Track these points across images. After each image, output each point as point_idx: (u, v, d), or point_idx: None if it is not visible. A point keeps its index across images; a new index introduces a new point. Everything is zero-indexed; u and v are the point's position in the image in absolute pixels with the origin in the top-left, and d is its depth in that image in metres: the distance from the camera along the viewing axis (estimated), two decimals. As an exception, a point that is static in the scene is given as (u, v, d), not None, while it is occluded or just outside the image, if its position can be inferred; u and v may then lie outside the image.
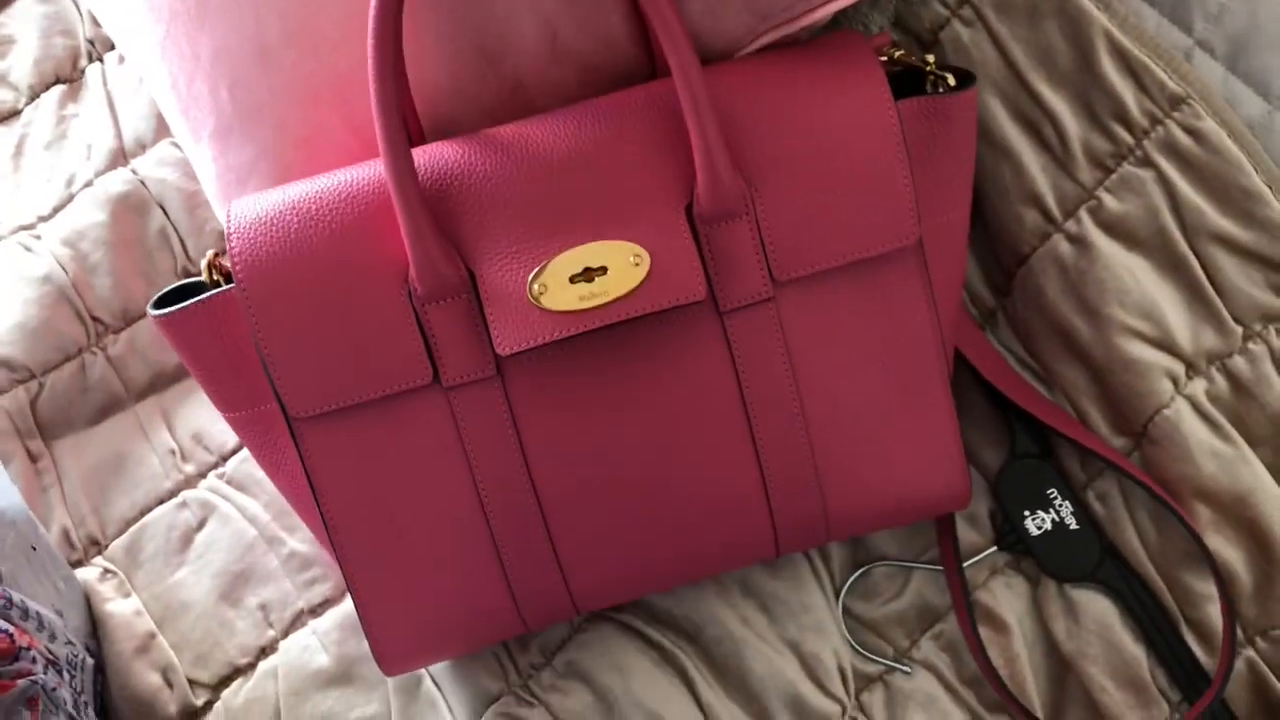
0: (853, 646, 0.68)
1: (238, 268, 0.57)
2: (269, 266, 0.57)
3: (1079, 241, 0.67)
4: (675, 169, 0.57)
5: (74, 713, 0.63)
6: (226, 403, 0.62)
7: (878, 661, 0.68)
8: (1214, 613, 0.65)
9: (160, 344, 0.79)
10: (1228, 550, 0.64)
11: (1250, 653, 0.65)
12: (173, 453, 0.77)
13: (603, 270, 0.56)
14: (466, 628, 0.63)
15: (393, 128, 0.55)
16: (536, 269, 0.56)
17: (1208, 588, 0.65)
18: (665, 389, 0.59)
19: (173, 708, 0.69)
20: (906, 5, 0.73)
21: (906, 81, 0.63)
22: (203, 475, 0.76)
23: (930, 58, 0.62)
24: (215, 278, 0.60)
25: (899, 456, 0.62)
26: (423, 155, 0.59)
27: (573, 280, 0.56)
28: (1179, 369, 0.66)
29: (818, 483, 0.61)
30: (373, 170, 0.59)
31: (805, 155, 0.58)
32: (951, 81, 0.61)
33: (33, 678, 0.59)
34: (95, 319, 0.80)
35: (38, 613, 0.63)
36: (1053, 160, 0.69)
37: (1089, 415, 0.68)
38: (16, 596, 0.62)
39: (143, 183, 0.83)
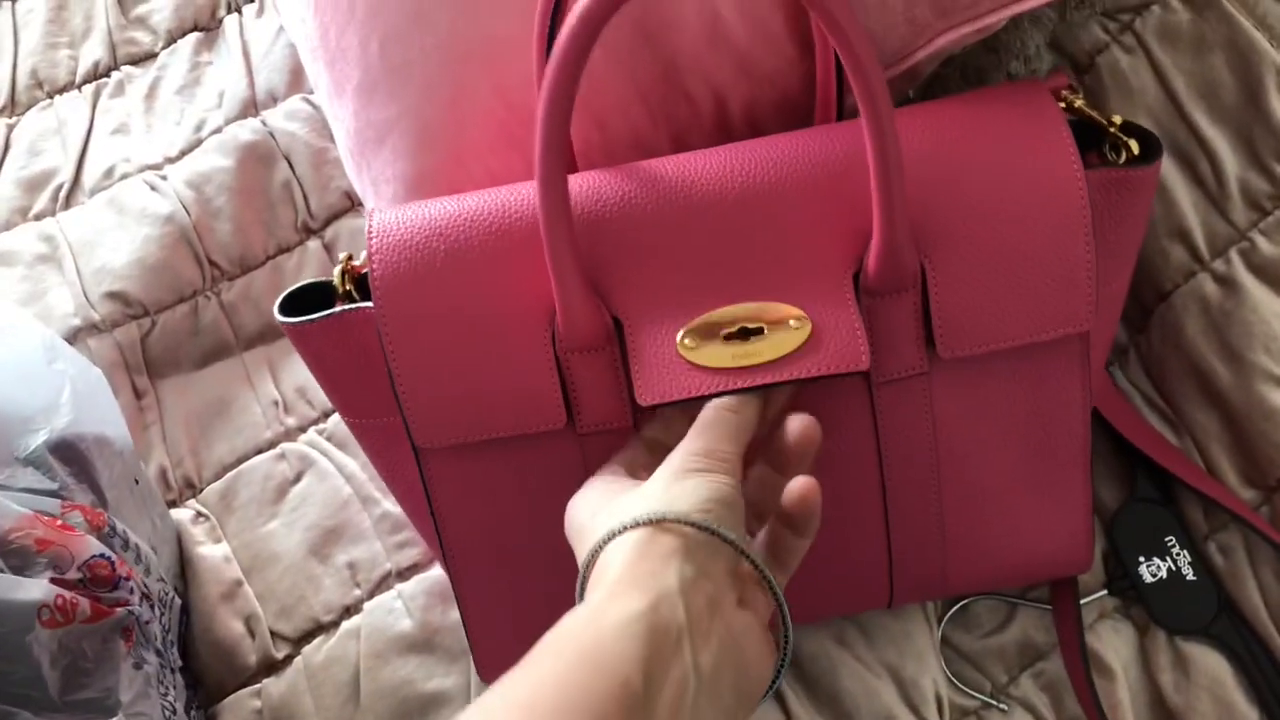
0: (950, 679, 0.65)
1: (379, 292, 0.54)
2: (410, 293, 0.54)
3: (1227, 282, 0.65)
4: (848, 234, 0.53)
5: (161, 649, 0.63)
6: (349, 409, 0.60)
7: (975, 696, 0.65)
8: (1335, 681, 0.62)
9: (274, 292, 0.79)
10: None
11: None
12: (276, 404, 0.77)
13: (759, 331, 0.53)
14: None
15: (552, 168, 0.50)
16: (689, 323, 0.53)
17: (1331, 654, 0.62)
18: None
19: (253, 657, 0.69)
20: (1065, 26, 0.71)
21: (1080, 134, 0.56)
22: (303, 429, 0.76)
23: (1117, 119, 0.56)
24: (348, 287, 0.57)
25: (1027, 529, 0.61)
26: (579, 186, 0.55)
27: (726, 338, 0.53)
28: (1323, 425, 0.63)
29: (942, 549, 0.60)
30: (525, 200, 0.56)
31: (984, 229, 0.53)
32: (1135, 149, 0.56)
33: (129, 608, 0.59)
34: (212, 263, 0.80)
35: (137, 545, 0.63)
36: (1205, 197, 0.66)
37: (1218, 463, 0.66)
38: (120, 526, 0.62)
39: (271, 134, 0.83)
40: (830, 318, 0.53)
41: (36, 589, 0.54)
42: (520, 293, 0.54)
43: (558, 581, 0.58)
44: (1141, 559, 0.66)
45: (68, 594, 0.56)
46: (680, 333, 0.53)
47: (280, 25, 0.87)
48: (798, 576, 0.58)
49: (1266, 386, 0.63)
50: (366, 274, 0.56)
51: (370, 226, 0.56)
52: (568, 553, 0.57)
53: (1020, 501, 0.60)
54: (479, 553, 0.60)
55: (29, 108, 0.91)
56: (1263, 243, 0.65)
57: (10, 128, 0.90)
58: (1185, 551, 0.65)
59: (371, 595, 0.70)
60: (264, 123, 0.84)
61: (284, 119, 0.83)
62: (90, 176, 0.86)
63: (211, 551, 0.72)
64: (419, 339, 0.54)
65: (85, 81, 0.91)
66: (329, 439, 0.75)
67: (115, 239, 0.80)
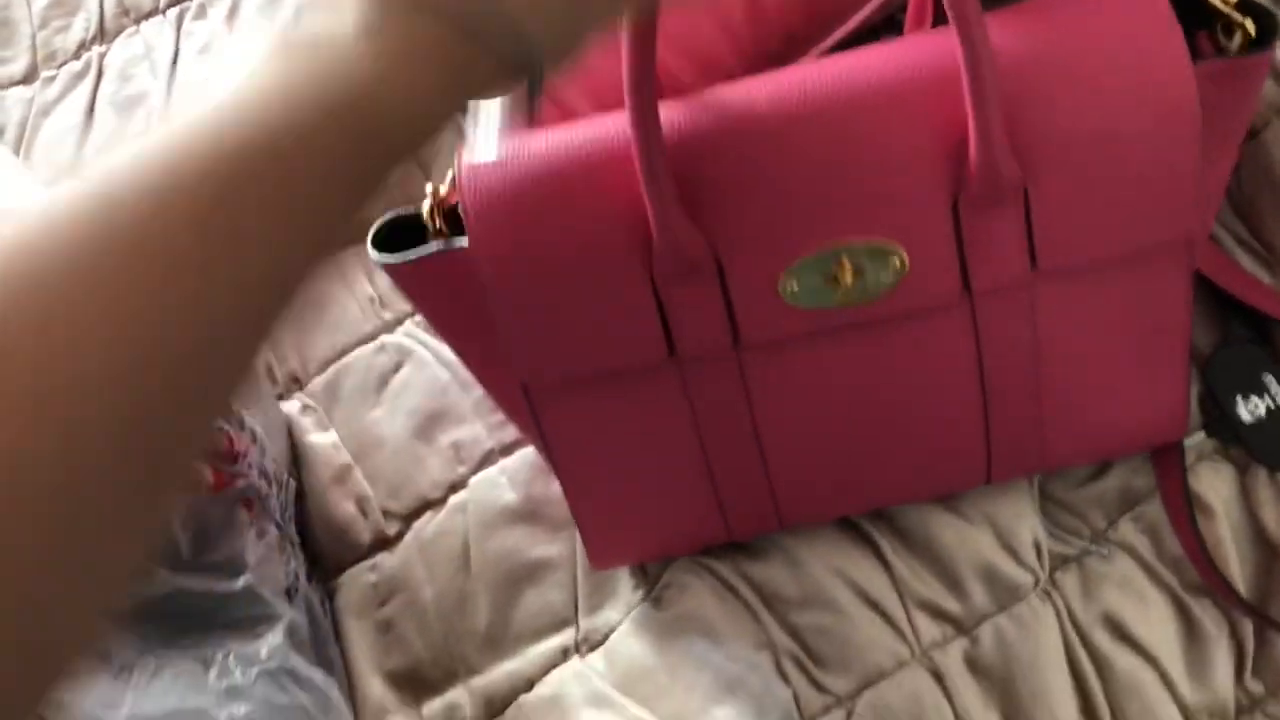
0: (1049, 528, 0.66)
1: (473, 228, 0.53)
2: (505, 229, 0.53)
3: (1318, 114, 0.64)
4: (946, 153, 0.52)
5: (280, 523, 0.66)
6: (451, 335, 0.61)
7: (1075, 543, 0.66)
8: None
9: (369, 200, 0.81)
10: None
11: None
12: (372, 301, 0.79)
13: (858, 271, 0.53)
14: (677, 539, 0.67)
15: (642, 88, 0.49)
16: (789, 265, 0.53)
17: None
18: (905, 359, 0.58)
19: (366, 535, 0.72)
20: None
21: (1187, 12, 0.52)
22: (400, 322, 0.78)
23: None
24: (439, 223, 0.56)
25: (1124, 411, 0.62)
26: (669, 116, 0.53)
27: (825, 281, 0.54)
28: None
29: (1040, 438, 0.61)
30: (615, 129, 0.53)
31: (1086, 140, 0.52)
32: (1250, 29, 0.52)
33: (249, 480, 0.62)
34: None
35: (252, 427, 0.66)
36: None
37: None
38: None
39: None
40: (928, 250, 0.53)
41: (162, 456, 0.57)
42: (615, 223, 0.53)
43: (666, 488, 0.62)
44: (1239, 398, 0.66)
45: (192, 462, 0.58)
46: (781, 275, 0.54)
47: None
48: (895, 471, 0.60)
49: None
50: (457, 206, 0.55)
51: (461, 161, 0.55)
52: (675, 464, 0.61)
53: (1117, 391, 0.61)
54: (590, 471, 0.62)
55: (116, 35, 0.94)
56: (1354, 71, 0.64)
57: (101, 55, 0.93)
58: (1282, 387, 0.65)
59: (475, 471, 0.72)
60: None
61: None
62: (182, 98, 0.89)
63: (321, 439, 0.75)
64: (518, 276, 0.54)
65: (170, 6, 0.94)
66: (425, 329, 0.77)
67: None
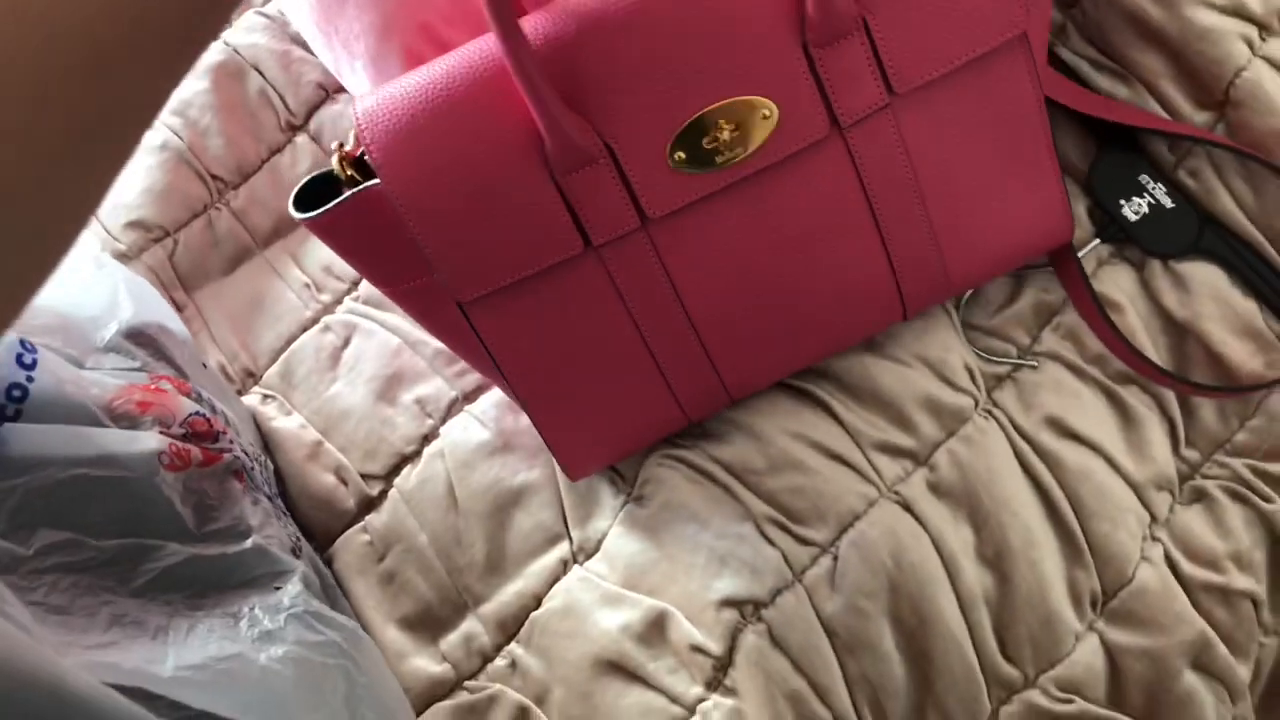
0: (978, 353, 0.71)
1: (380, 166, 0.58)
2: (408, 160, 0.58)
3: (1140, -68, 0.70)
4: (788, 3, 0.58)
5: (270, 494, 0.68)
6: (385, 280, 0.64)
7: (1004, 362, 0.71)
8: (1318, 256, 0.68)
9: (277, 190, 0.84)
10: (1323, 192, 0.68)
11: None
12: (307, 286, 0.82)
13: (735, 128, 0.58)
14: (640, 432, 0.70)
15: (504, 12, 0.53)
16: (672, 136, 0.58)
17: (1309, 237, 0.68)
18: (797, 202, 0.62)
19: (351, 501, 0.74)
20: None
21: None
22: (339, 301, 0.81)
23: None
24: (349, 172, 0.60)
25: (1010, 216, 0.67)
26: (533, 27, 0.58)
27: (707, 144, 0.59)
28: (1252, 31, 0.68)
29: (939, 254, 0.66)
30: (488, 47, 0.59)
31: None
32: None
33: (234, 454, 0.64)
34: (215, 177, 0.85)
35: (223, 411, 0.68)
36: None
37: (1170, 97, 0.71)
38: (204, 393, 0.67)
39: (236, 50, 0.87)
40: (793, 95, 0.58)
41: (152, 439, 0.59)
42: (507, 131, 0.57)
43: (614, 374, 0.66)
44: (1122, 201, 0.72)
45: (179, 443, 0.61)
46: (667, 146, 0.58)
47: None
48: (821, 316, 0.64)
49: (1194, 10, 0.69)
50: (362, 155, 0.59)
51: (355, 111, 0.59)
52: (616, 349, 0.64)
53: (998, 193, 0.66)
54: (540, 374, 0.66)
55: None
56: (1162, -114, 0.70)
57: None
58: (1159, 184, 0.71)
59: (444, 420, 0.75)
60: (225, 42, 0.88)
61: (244, 34, 0.88)
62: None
63: (286, 424, 0.77)
64: (430, 200, 0.58)
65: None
66: (364, 302, 0.80)
67: (121, 177, 0.84)
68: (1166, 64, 0.71)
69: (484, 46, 0.59)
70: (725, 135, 0.59)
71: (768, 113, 0.59)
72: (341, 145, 0.61)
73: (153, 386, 0.63)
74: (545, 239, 0.60)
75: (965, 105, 0.63)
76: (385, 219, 0.59)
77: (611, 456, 0.71)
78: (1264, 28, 0.69)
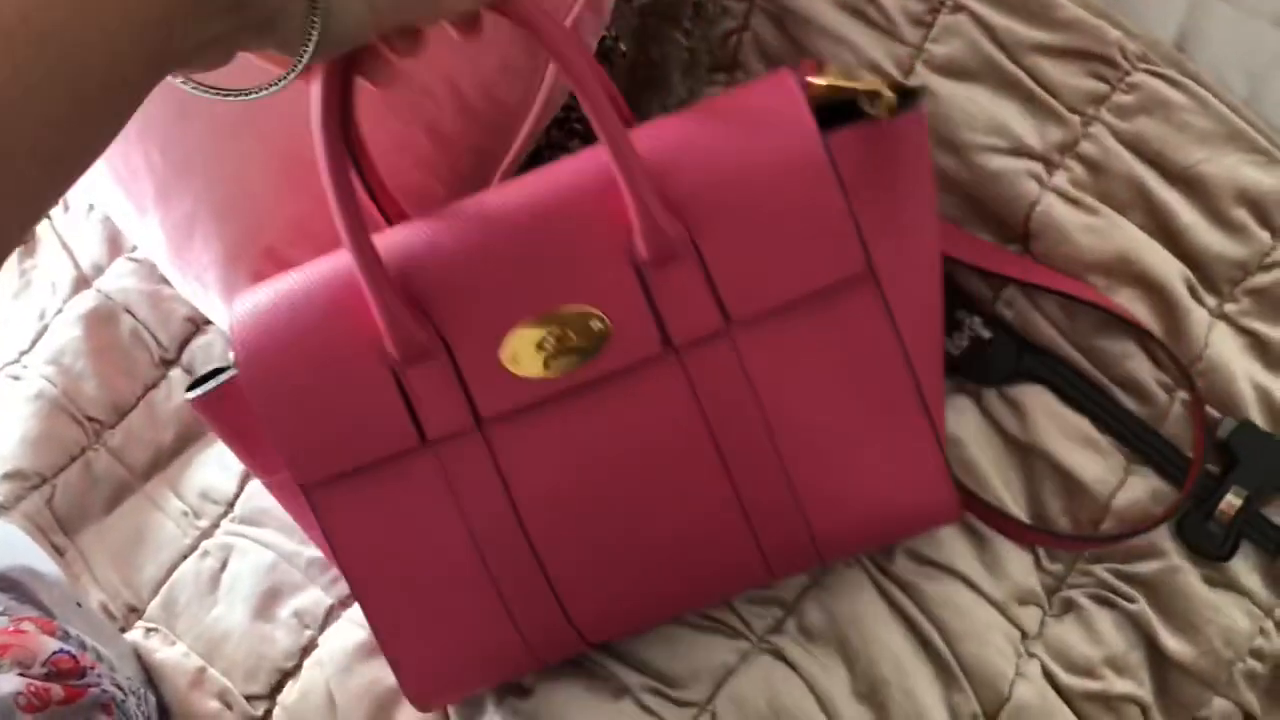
0: None
1: (238, 357, 0.62)
2: (264, 352, 0.61)
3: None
4: (620, 225, 0.59)
5: (144, 726, 0.68)
6: (258, 468, 0.67)
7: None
8: (1133, 367, 0.72)
9: (154, 424, 0.86)
10: (1132, 306, 0.71)
11: (1182, 394, 0.71)
12: (185, 514, 0.83)
13: (567, 336, 0.60)
14: (483, 665, 0.68)
15: (350, 214, 0.58)
16: (504, 338, 0.60)
17: (1122, 347, 0.72)
18: (636, 426, 0.62)
19: (236, 724, 0.74)
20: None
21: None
22: (216, 525, 0.82)
23: (869, 80, 0.62)
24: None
25: (878, 475, 0.64)
26: (394, 236, 0.62)
27: (539, 348, 0.60)
28: (1038, 168, 0.74)
29: (798, 507, 0.63)
30: (344, 256, 0.61)
31: (740, 198, 0.59)
32: (890, 98, 0.60)
33: (102, 687, 0.64)
34: (91, 419, 0.87)
35: (95, 647, 0.69)
36: (881, 33, 0.78)
37: (978, 236, 0.76)
38: (73, 631, 0.67)
39: (108, 296, 0.91)
40: (623, 307, 0.60)
41: (7, 683, 0.60)
42: (354, 331, 0.61)
43: (452, 590, 0.64)
44: (946, 339, 0.75)
45: (39, 682, 0.61)
46: (499, 348, 0.60)
47: (88, 204, 0.95)
48: (669, 558, 0.63)
49: (983, 157, 0.74)
50: None
51: (232, 308, 0.63)
52: (453, 562, 0.63)
53: (861, 448, 0.63)
54: (379, 578, 0.65)
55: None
56: (936, 49, 0.76)
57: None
58: (975, 317, 0.74)
59: (323, 629, 0.76)
60: (98, 290, 0.91)
61: (115, 279, 0.91)
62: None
63: (169, 654, 0.77)
64: (278, 389, 0.62)
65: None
66: (241, 522, 0.81)
67: (-4, 431, 0.86)
68: (968, 209, 0.76)
69: (344, 254, 0.61)
70: (554, 343, 0.60)
71: (600, 325, 0.60)
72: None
73: (12, 629, 0.63)
74: (383, 429, 0.62)
75: (813, 341, 0.62)
76: (246, 405, 0.63)
77: (459, 689, 0.69)
78: (1047, 163, 0.74)
